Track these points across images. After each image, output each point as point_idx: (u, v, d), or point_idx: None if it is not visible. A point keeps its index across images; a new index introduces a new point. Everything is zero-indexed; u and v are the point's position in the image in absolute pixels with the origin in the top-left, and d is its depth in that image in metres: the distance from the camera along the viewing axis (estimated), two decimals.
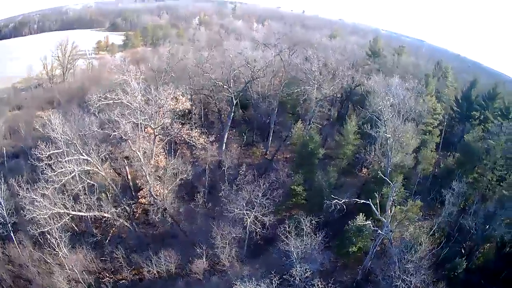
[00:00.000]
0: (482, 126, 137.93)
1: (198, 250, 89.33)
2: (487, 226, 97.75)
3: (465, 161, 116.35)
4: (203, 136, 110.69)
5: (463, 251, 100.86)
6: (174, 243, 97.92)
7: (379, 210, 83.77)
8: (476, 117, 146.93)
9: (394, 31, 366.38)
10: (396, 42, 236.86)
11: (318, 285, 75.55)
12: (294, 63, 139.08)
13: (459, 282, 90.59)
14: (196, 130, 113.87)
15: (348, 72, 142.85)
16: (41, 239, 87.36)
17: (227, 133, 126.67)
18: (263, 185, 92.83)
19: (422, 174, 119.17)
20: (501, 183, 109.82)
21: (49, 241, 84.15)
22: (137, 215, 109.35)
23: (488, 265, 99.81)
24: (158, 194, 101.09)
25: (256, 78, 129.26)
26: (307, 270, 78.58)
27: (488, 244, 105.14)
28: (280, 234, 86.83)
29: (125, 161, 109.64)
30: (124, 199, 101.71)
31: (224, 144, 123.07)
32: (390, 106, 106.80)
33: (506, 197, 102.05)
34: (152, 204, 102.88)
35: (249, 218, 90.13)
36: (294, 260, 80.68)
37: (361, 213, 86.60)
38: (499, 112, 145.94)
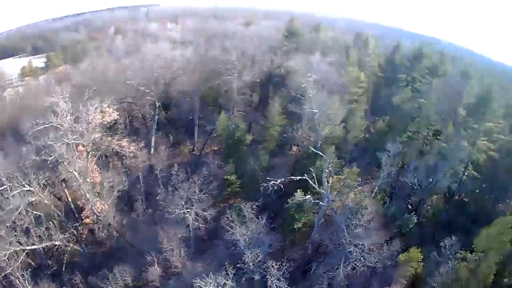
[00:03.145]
0: (411, 87, 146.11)
1: (148, 258, 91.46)
2: (431, 180, 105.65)
3: (396, 122, 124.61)
4: (132, 144, 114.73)
5: (409, 207, 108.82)
6: (124, 256, 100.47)
7: (316, 183, 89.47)
8: (403, 79, 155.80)
9: (309, 11, 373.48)
10: (312, 20, 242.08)
11: (273, 266, 79.94)
12: (212, 56, 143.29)
13: (413, 237, 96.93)
14: (125, 139, 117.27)
15: (267, 56, 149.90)
16: (5, 283, 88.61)
17: (154, 137, 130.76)
18: (197, 181, 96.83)
19: (354, 142, 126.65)
20: (438, 137, 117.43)
21: (13, 283, 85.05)
22: (84, 236, 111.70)
23: (439, 216, 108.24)
24: (100, 211, 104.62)
25: (176, 77, 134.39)
26: (258, 254, 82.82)
27: (435, 196, 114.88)
28: (224, 225, 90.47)
29: (63, 184, 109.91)
30: (70, 223, 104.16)
31: (152, 148, 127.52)
32: (314, 82, 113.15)
33: (445, 149, 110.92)
34: (97, 222, 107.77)
35: (190, 216, 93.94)
36: (243, 247, 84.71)
37: (298, 190, 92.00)
38: (427, 71, 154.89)
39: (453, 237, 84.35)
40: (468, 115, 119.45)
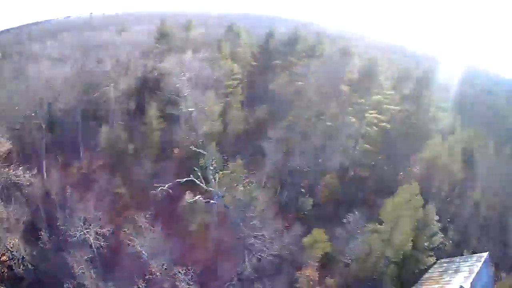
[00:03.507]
0: (288, 72, 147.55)
1: (65, 286, 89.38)
2: (320, 160, 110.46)
3: (276, 109, 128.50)
4: (27, 172, 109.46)
5: (303, 190, 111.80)
6: None
7: (203, 182, 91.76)
8: (278, 65, 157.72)
9: (180, 10, 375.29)
10: (182, 19, 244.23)
11: (179, 272, 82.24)
12: (89, 69, 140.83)
13: (314, 219, 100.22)
14: (20, 168, 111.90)
15: (140, 62, 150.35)
16: None
17: (44, 161, 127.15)
18: (90, 199, 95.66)
19: (234, 135, 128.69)
20: (320, 117, 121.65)
21: None
22: (6, 274, 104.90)
23: (337, 194, 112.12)
24: (12, 246, 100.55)
25: (57, 96, 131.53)
26: (162, 263, 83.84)
27: (328, 176, 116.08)
28: (124, 239, 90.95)
29: None
30: None
31: (45, 173, 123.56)
32: (187, 81, 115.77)
33: (331, 128, 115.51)
34: (12, 258, 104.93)
35: (90, 236, 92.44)
36: (147, 258, 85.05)
37: (187, 192, 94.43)
38: (303, 54, 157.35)
39: (356, 212, 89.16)
40: (353, 91, 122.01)
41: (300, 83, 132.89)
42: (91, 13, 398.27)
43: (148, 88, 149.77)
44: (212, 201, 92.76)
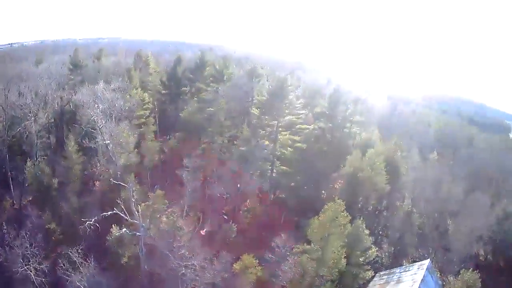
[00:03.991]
0: (197, 98, 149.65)
1: None
2: (238, 185, 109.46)
3: (188, 136, 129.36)
4: None
5: (225, 217, 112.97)
6: None
7: (127, 215, 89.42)
8: (187, 91, 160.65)
9: (90, 37, 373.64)
10: (94, 47, 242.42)
11: None
12: (11, 101, 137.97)
13: (241, 244, 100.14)
14: None
15: (57, 94, 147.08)
16: None
17: None
18: (26, 235, 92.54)
19: (151, 165, 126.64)
20: (234, 142, 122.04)
21: None
22: None
23: (258, 219, 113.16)
24: None
25: None
26: None
27: (249, 200, 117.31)
28: (61, 275, 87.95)
29: None
30: None
31: None
32: (101, 112, 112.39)
33: (245, 152, 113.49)
34: None
35: (31, 272, 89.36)
36: None
37: (113, 225, 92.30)
38: (211, 79, 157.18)
39: (282, 235, 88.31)
40: (262, 114, 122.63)
41: (210, 109, 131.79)
42: (10, 44, 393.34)
43: (65, 121, 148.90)
44: (138, 233, 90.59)
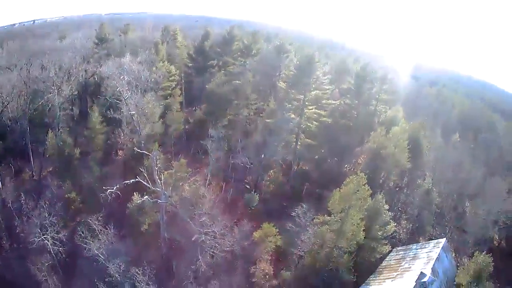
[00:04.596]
0: (224, 71, 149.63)
1: None
2: (262, 156, 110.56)
3: (214, 108, 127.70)
4: None
5: (247, 186, 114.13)
6: None
7: (150, 183, 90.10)
8: (215, 65, 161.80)
9: (116, 12, 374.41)
10: (120, 23, 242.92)
11: (137, 272, 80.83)
12: (33, 76, 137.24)
13: (262, 213, 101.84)
14: None
15: (81, 67, 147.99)
16: None
17: None
18: (45, 205, 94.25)
19: (175, 135, 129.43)
20: (260, 114, 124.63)
21: None
22: None
23: (281, 189, 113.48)
24: None
25: (6, 104, 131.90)
26: (119, 264, 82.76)
27: (272, 171, 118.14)
28: (80, 243, 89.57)
29: None
30: None
31: (0, 182, 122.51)
32: (127, 84, 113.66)
33: (271, 124, 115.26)
34: None
35: (48, 241, 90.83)
36: (104, 261, 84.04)
37: (135, 193, 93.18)
38: (239, 53, 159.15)
39: (304, 205, 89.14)
40: (289, 88, 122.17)
41: (237, 81, 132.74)
42: (33, 20, 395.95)
43: (90, 93, 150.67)
44: (159, 201, 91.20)
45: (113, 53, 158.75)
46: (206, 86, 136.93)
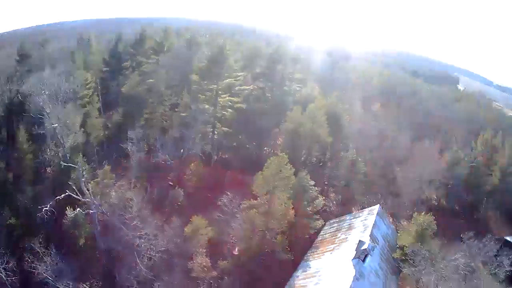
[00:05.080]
0: (138, 71, 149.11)
1: None
2: (182, 150, 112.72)
3: (131, 110, 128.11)
4: None
5: (171, 183, 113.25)
6: None
7: (79, 195, 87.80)
8: (128, 66, 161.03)
9: (32, 25, 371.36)
10: (38, 36, 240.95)
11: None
12: None
13: (188, 209, 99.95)
14: None
15: (5, 87, 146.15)
16: None
17: None
18: None
19: (96, 142, 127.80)
20: (175, 109, 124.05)
21: None
22: None
23: (204, 181, 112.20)
24: None
25: None
26: (68, 283, 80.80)
27: (193, 164, 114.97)
28: (28, 269, 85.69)
29: None
30: None
31: None
32: (48, 98, 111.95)
33: (186, 117, 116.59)
34: None
35: (2, 273, 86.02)
36: (54, 282, 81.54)
37: (67, 207, 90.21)
38: (151, 51, 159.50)
39: (228, 193, 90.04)
40: (202, 79, 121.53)
41: (150, 80, 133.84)
42: None
43: (15, 112, 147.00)
44: (91, 211, 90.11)
45: (34, 68, 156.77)
46: (122, 88, 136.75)
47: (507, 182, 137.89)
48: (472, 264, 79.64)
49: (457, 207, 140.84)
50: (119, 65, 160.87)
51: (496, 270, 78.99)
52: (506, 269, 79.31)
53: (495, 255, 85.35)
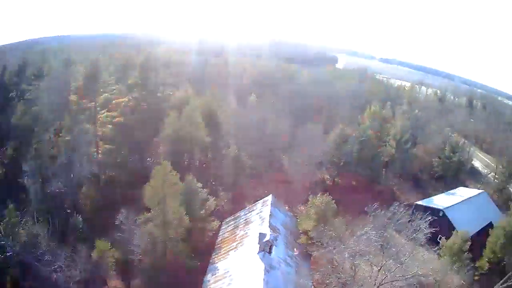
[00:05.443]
0: (23, 100, 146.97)
1: None
2: (71, 176, 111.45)
3: (24, 141, 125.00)
4: None
5: (69, 211, 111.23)
6: None
7: None
8: (14, 96, 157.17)
9: None
10: None
11: None
12: None
13: (89, 233, 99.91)
14: None
15: None
16: None
17: None
18: None
19: None
20: (60, 134, 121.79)
21: None
22: None
23: (97, 202, 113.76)
24: None
25: None
26: None
27: (84, 187, 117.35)
28: None
29: None
30: None
31: None
32: None
33: (71, 141, 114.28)
34: None
35: None
36: None
37: None
38: (33, 77, 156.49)
39: (123, 211, 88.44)
40: (80, 98, 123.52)
41: (34, 107, 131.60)
42: None
43: None
44: (8, 254, 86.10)
45: None
46: (12, 121, 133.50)
47: (404, 150, 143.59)
48: (386, 234, 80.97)
49: (354, 183, 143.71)
50: (7, 97, 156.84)
51: (415, 235, 79.02)
52: (425, 232, 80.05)
53: (409, 221, 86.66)
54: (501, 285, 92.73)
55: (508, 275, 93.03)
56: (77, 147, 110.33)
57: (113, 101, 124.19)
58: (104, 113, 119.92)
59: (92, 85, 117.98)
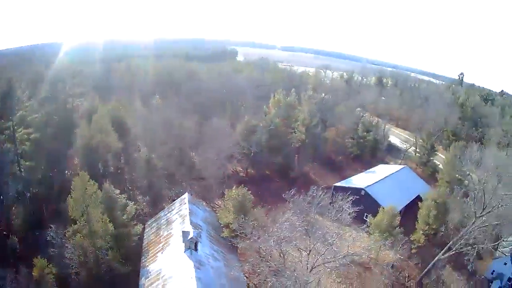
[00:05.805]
0: None
1: None
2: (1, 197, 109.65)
3: None
4: None
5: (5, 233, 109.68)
6: None
7: None
8: None
9: None
10: None
11: None
12: None
13: (25, 253, 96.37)
14: None
15: None
16: None
17: None
18: None
19: None
20: None
21: None
22: None
23: (26, 223, 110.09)
24: None
25: None
26: None
27: (12, 208, 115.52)
28: None
29: None
30: None
31: None
32: None
33: None
34: None
35: None
36: None
37: None
38: None
39: (51, 226, 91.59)
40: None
41: None
42: None
43: None
44: None
45: None
46: None
47: (314, 134, 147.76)
48: (309, 218, 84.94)
49: (268, 172, 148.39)
50: None
51: (339, 216, 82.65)
52: (349, 212, 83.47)
53: (331, 203, 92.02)
54: (442, 255, 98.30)
55: (448, 245, 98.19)
56: (1, 168, 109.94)
57: (28, 118, 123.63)
58: (21, 130, 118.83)
59: (8, 103, 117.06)
